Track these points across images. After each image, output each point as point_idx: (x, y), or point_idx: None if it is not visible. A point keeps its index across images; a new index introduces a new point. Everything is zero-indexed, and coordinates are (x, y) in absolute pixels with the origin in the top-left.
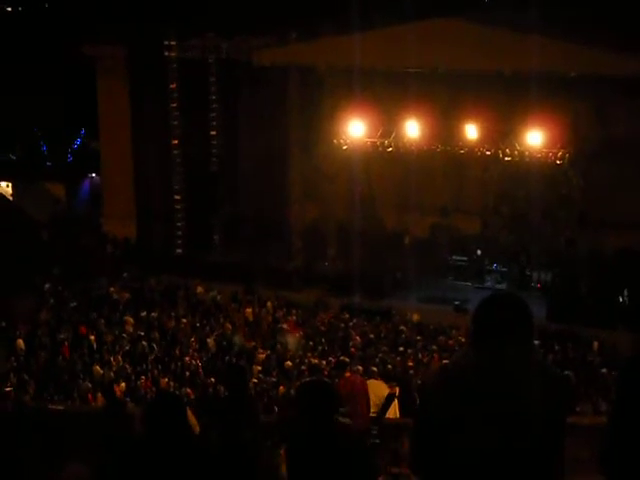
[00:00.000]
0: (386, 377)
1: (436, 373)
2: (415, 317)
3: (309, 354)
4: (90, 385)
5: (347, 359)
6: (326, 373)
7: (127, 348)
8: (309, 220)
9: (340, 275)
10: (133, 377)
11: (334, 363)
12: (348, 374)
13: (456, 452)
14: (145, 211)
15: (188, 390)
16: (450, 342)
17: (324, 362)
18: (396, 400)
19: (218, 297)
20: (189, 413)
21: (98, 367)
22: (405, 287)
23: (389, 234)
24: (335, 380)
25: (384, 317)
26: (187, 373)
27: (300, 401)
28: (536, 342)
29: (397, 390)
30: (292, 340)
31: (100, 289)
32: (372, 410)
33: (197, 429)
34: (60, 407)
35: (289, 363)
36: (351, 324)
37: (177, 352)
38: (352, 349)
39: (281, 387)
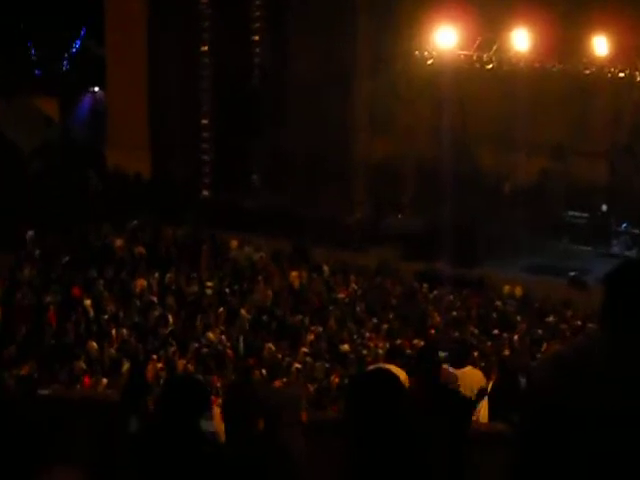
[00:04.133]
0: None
1: (549, 362)
2: (516, 291)
3: (371, 334)
4: (84, 365)
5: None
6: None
7: (135, 319)
8: (378, 159)
9: (417, 232)
10: (141, 357)
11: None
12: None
13: (577, 460)
14: (163, 139)
15: (213, 376)
16: (562, 326)
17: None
18: (486, 398)
19: (256, 256)
20: (216, 412)
21: (94, 342)
22: (504, 251)
23: (485, 180)
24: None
25: (474, 290)
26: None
27: (351, 400)
28: None
29: (489, 385)
30: None
31: (102, 240)
32: None
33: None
34: (45, 392)
35: (346, 347)
36: (430, 297)
37: (199, 326)
38: (430, 330)
39: (334, 376)
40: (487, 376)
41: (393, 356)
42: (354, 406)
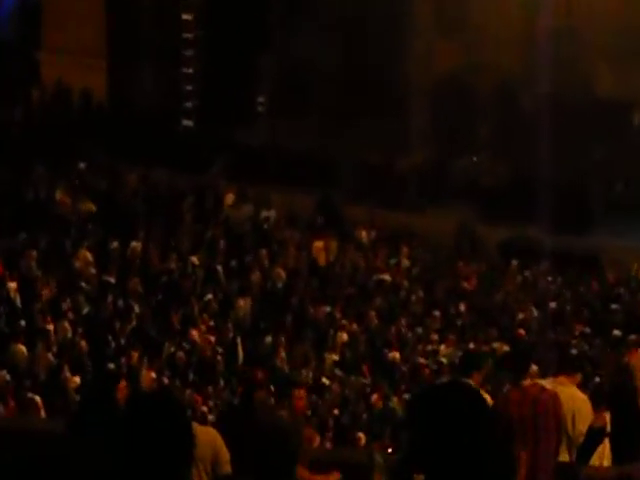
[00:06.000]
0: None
1: None
2: None
3: (434, 335)
4: (8, 377)
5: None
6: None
7: (83, 310)
8: (445, 73)
9: (502, 183)
10: (91, 364)
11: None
12: (529, 381)
13: None
14: (125, 43)
15: (195, 394)
16: None
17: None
18: (607, 439)
19: (262, 216)
20: (213, 435)
21: (22, 344)
22: (630, 212)
23: (602, 107)
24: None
25: (586, 268)
26: (194, 360)
27: (415, 425)
28: None
29: (606, 419)
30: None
31: (34, 191)
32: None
33: (228, 467)
34: None
35: (395, 354)
36: (520, 280)
37: (177, 320)
38: (519, 330)
39: (375, 395)
40: (597, 401)
41: (470, 367)
42: (419, 435)
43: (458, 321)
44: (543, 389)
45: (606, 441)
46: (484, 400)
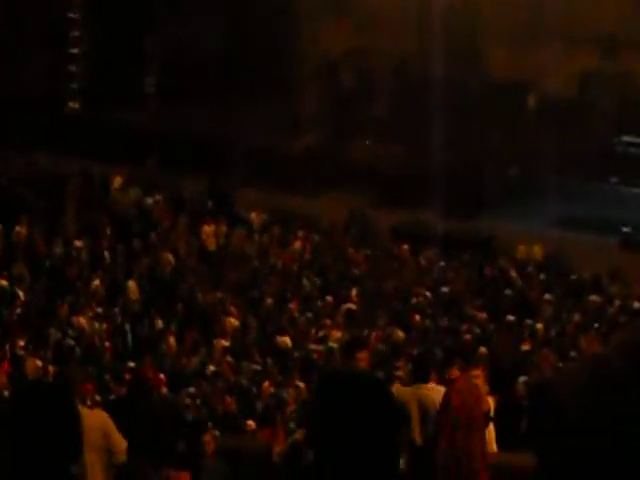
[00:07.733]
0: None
1: (586, 369)
2: (537, 251)
3: (327, 321)
4: None
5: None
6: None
7: None
8: (337, 55)
9: (396, 167)
10: None
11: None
12: (455, 372)
13: None
14: (5, 23)
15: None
16: (611, 308)
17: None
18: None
19: (149, 201)
20: (103, 419)
21: None
22: (524, 195)
23: (498, 90)
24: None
25: (479, 253)
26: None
27: (317, 418)
28: None
29: (490, 404)
30: None
31: None
32: None
33: (122, 456)
34: None
35: (286, 339)
36: (413, 264)
37: (62, 304)
38: (415, 316)
39: (266, 383)
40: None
41: (352, 351)
42: (322, 415)
43: (349, 306)
44: (467, 380)
45: (491, 426)
46: (392, 399)
